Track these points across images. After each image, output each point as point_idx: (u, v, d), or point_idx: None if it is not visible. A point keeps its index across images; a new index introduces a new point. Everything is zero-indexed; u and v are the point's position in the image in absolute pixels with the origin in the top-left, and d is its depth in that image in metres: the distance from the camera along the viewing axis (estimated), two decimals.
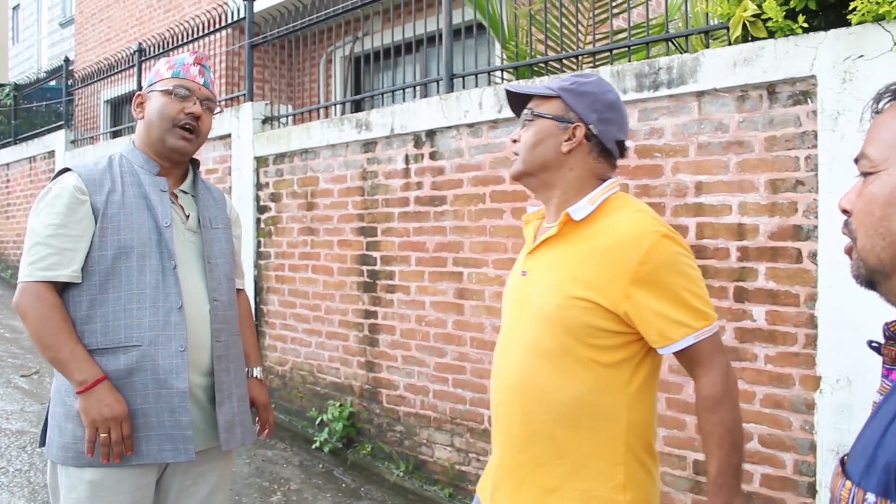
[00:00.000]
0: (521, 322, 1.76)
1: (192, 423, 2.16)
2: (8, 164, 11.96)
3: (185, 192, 2.36)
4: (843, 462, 0.94)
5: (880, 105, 0.97)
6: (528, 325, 1.72)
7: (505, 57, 4.95)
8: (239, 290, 2.53)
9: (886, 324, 0.94)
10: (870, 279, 0.96)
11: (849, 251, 0.99)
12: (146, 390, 2.12)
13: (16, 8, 21.94)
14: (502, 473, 1.76)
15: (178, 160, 2.33)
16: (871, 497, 0.85)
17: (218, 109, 2.47)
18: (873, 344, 0.99)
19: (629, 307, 1.60)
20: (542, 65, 4.31)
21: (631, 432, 1.65)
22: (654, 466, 1.70)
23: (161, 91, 2.26)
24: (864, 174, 0.96)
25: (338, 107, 6.60)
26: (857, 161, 0.97)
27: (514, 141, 1.81)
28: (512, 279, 1.89)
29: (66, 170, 2.24)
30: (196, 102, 2.27)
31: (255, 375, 2.52)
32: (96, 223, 2.14)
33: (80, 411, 2.06)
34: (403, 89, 5.32)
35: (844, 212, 0.99)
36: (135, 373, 2.12)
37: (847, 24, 2.89)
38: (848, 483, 0.89)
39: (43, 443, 2.23)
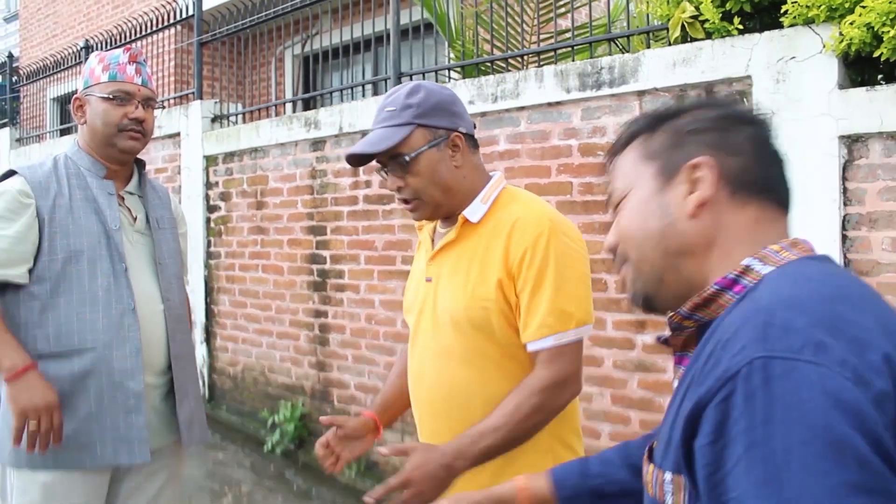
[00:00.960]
0: (431, 329, 1.78)
1: (146, 424, 2.16)
2: None
3: (131, 194, 2.35)
4: (650, 449, 1.00)
5: (613, 155, 1.10)
6: (440, 331, 1.75)
7: (452, 56, 4.97)
8: None
9: (670, 316, 1.01)
10: (646, 295, 1.05)
11: (623, 284, 1.08)
12: (101, 394, 2.12)
13: None
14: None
15: (125, 161, 2.31)
16: (668, 476, 0.90)
17: (159, 105, 2.45)
18: (661, 338, 1.06)
19: (517, 296, 1.65)
20: (489, 64, 4.33)
21: (555, 420, 1.67)
22: (582, 449, 1.74)
23: (100, 97, 2.23)
24: (616, 210, 1.07)
25: (288, 105, 6.56)
26: (608, 205, 1.10)
27: (399, 189, 1.73)
28: (415, 285, 1.89)
29: (12, 172, 2.21)
30: (138, 106, 2.25)
31: None
32: (43, 227, 2.13)
33: (8, 399, 2.03)
34: (352, 88, 5.31)
35: (612, 250, 1.08)
36: (89, 376, 2.11)
37: (780, 26, 2.96)
38: (651, 466, 0.95)
39: None
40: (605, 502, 1.33)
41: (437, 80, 4.73)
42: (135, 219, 2.32)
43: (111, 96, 2.23)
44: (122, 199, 2.32)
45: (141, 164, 2.43)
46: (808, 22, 2.83)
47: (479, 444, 1.60)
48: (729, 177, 0.98)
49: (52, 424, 2.04)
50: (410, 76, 4.76)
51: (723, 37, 3.12)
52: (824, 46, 2.80)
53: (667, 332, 1.04)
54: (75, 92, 2.37)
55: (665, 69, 3.29)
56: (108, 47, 7.86)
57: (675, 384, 1.02)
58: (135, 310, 2.18)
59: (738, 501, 0.76)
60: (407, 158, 1.68)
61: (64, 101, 11.30)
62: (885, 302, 0.89)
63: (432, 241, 1.85)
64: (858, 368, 0.75)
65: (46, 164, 2.26)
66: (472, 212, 1.72)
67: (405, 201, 1.75)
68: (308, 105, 6.47)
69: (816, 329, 0.78)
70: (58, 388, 2.08)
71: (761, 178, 0.99)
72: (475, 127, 1.82)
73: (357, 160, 1.76)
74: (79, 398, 2.11)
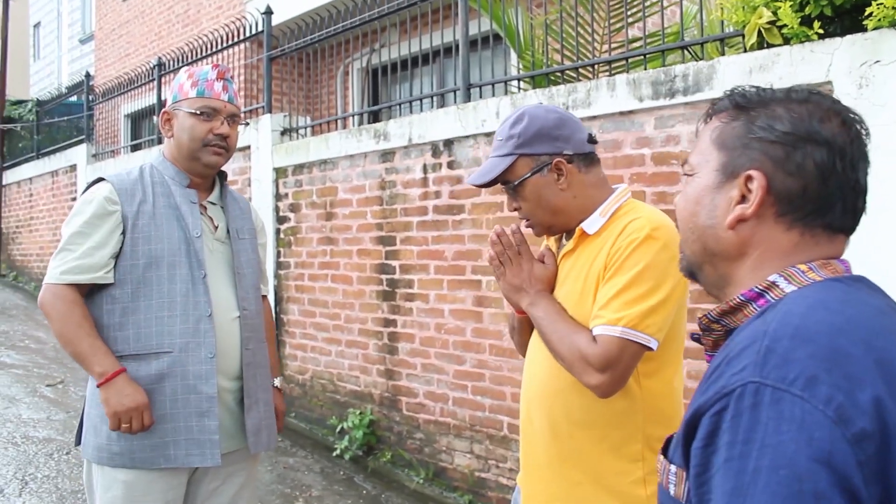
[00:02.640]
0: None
1: (219, 427, 2.24)
2: (31, 179, 12.13)
3: (213, 204, 2.44)
4: (668, 441, 1.07)
5: (704, 120, 1.13)
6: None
7: (521, 66, 4.99)
8: (263, 297, 2.60)
9: (700, 318, 1.09)
10: (689, 270, 1.14)
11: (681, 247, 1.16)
12: (175, 395, 2.20)
13: (37, 25, 22.26)
14: (536, 467, 1.84)
15: (208, 174, 2.40)
16: (673, 468, 0.99)
17: (244, 122, 2.54)
18: (694, 336, 1.13)
19: None
20: (559, 74, 4.35)
21: (648, 430, 1.70)
22: None
23: (188, 112, 2.32)
24: (686, 176, 1.13)
25: (355, 118, 6.67)
26: (682, 166, 1.15)
27: (516, 209, 1.86)
28: None
29: (100, 179, 2.32)
30: (223, 122, 2.34)
31: (275, 385, 2.59)
32: (126, 232, 2.22)
33: (102, 402, 2.13)
34: (421, 100, 5.37)
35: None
36: (165, 378, 2.20)
37: (863, 29, 2.91)
38: (662, 458, 1.04)
39: (78, 442, 2.32)
40: None
41: (506, 91, 4.76)
42: (216, 228, 2.40)
43: (198, 112, 2.31)
44: (205, 208, 2.40)
45: (223, 176, 2.51)
46: (894, 24, 2.78)
47: (539, 309, 1.77)
48: (779, 197, 1.00)
49: (143, 424, 2.13)
50: (480, 87, 4.80)
51: (801, 42, 3.08)
52: None
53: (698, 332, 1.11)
54: (148, 108, 2.48)
55: (741, 76, 3.26)
56: (179, 65, 8.10)
57: None
58: (211, 316, 2.26)
59: (709, 494, 0.85)
60: (513, 185, 1.80)
61: (136, 118, 11.67)
62: (894, 334, 0.91)
63: (558, 248, 1.92)
64: (843, 406, 0.80)
65: (133, 173, 2.37)
66: (590, 224, 1.78)
67: (523, 219, 1.88)
68: (375, 117, 6.57)
69: (813, 362, 0.83)
70: None
71: (817, 204, 1.00)
72: (594, 141, 1.85)
73: (479, 185, 1.87)
74: (155, 399, 2.19)
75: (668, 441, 1.07)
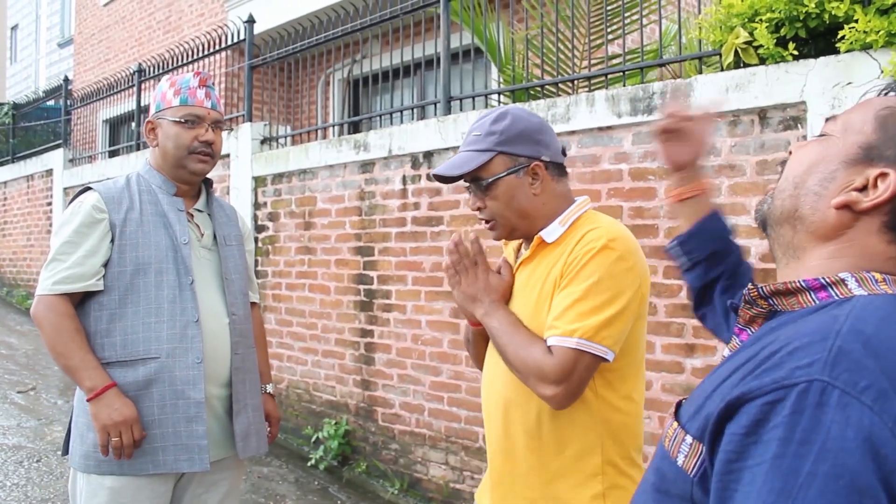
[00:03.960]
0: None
1: (207, 433, 2.25)
2: (5, 183, 11.99)
3: (200, 211, 2.45)
4: (679, 405, 1.03)
5: (886, 91, 1.06)
6: None
7: (502, 80, 5.04)
8: (253, 304, 2.61)
9: (748, 289, 1.02)
10: (764, 219, 1.09)
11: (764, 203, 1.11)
12: (163, 401, 2.20)
13: (14, 28, 22.06)
14: (493, 482, 1.82)
15: (194, 182, 2.41)
16: (689, 439, 0.93)
17: (228, 127, 2.56)
18: (731, 303, 1.09)
19: None
20: (539, 88, 4.39)
21: (608, 443, 1.67)
22: (639, 474, 1.72)
23: (172, 120, 2.33)
24: (823, 135, 1.05)
25: (336, 128, 6.68)
26: (826, 121, 1.08)
27: (479, 209, 1.81)
28: None
29: (88, 188, 2.33)
30: (208, 129, 2.36)
31: (267, 391, 2.60)
32: (114, 240, 2.23)
33: (91, 417, 2.13)
34: (401, 111, 5.40)
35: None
36: (153, 384, 2.20)
37: (836, 52, 2.98)
38: (675, 423, 0.98)
39: (66, 451, 2.31)
40: (713, 259, 1.52)
41: (486, 104, 4.80)
42: (203, 235, 2.41)
43: (182, 120, 2.33)
44: (191, 216, 2.41)
45: (209, 183, 2.53)
46: (866, 47, 2.84)
47: (494, 319, 1.73)
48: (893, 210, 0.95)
49: (133, 437, 2.13)
50: (460, 100, 4.83)
51: (777, 62, 3.15)
52: (883, 72, 2.81)
53: (738, 300, 1.06)
54: (126, 114, 2.51)
55: (718, 94, 3.32)
56: (160, 71, 8.07)
57: (726, 353, 1.05)
58: (198, 322, 2.26)
59: (744, 495, 0.80)
60: (485, 183, 1.75)
61: (115, 124, 11.60)
62: None
63: (516, 257, 1.89)
64: None
65: (120, 181, 2.38)
66: (549, 233, 1.75)
67: (485, 221, 1.82)
68: (355, 128, 6.58)
69: (884, 377, 0.79)
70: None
71: None
72: (565, 154, 1.84)
73: (444, 178, 1.81)
74: (143, 405, 2.19)
75: (679, 405, 1.03)
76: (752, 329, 1.03)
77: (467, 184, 1.81)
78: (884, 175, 0.94)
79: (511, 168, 1.74)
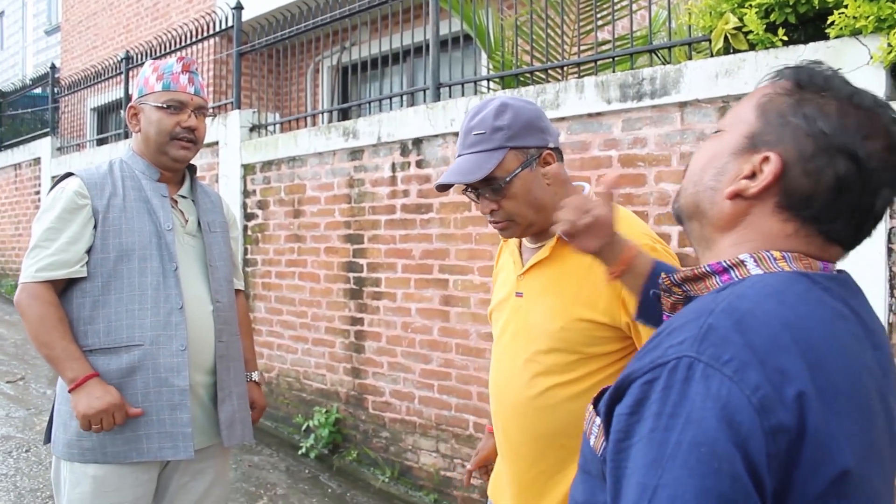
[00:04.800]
0: (521, 342, 1.75)
1: (192, 421, 2.23)
2: None
3: (183, 197, 2.43)
4: (601, 391, 1.05)
5: (765, 81, 1.11)
6: (531, 346, 1.72)
7: (491, 67, 5.01)
8: (238, 291, 2.59)
9: (662, 277, 1.10)
10: (678, 215, 1.14)
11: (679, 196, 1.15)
12: (147, 389, 2.19)
13: (0, 15, 21.85)
14: (518, 486, 1.76)
15: (177, 168, 2.39)
16: (598, 420, 0.98)
17: (210, 113, 2.53)
18: (653, 292, 1.14)
19: (629, 320, 1.59)
20: (528, 75, 4.37)
21: None
22: None
23: (154, 106, 2.30)
24: (716, 131, 1.11)
25: (325, 115, 6.64)
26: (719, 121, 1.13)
27: (492, 211, 1.70)
28: (505, 299, 1.85)
29: (69, 174, 2.30)
30: (190, 115, 2.33)
31: (253, 379, 2.58)
32: (97, 226, 2.21)
33: (73, 407, 2.11)
34: (390, 98, 5.36)
35: None
36: (136, 371, 2.18)
37: (826, 37, 2.96)
38: (591, 406, 1.03)
39: (48, 439, 2.29)
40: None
41: (475, 91, 4.78)
42: (186, 221, 2.39)
43: (165, 105, 2.30)
44: (175, 202, 2.39)
45: (193, 170, 2.50)
46: (856, 33, 2.83)
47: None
48: (787, 190, 0.98)
49: (115, 421, 2.12)
50: (449, 86, 4.80)
51: (767, 48, 3.13)
52: (872, 58, 2.80)
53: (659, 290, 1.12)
54: (115, 102, 2.48)
55: (707, 80, 3.30)
56: (147, 59, 8.01)
57: None
58: (182, 308, 2.25)
59: (630, 471, 0.85)
60: (502, 184, 1.66)
61: (103, 112, 11.51)
62: (843, 339, 0.92)
63: (520, 254, 1.82)
64: (768, 398, 0.82)
65: (103, 167, 2.35)
66: None
67: (496, 222, 1.73)
68: (345, 115, 6.55)
69: (749, 350, 0.84)
70: (106, 382, 2.16)
71: (821, 212, 0.98)
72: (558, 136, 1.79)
73: (447, 186, 1.73)
74: (126, 393, 2.18)
75: (602, 393, 1.06)
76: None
77: (470, 188, 1.71)
78: (766, 159, 0.99)
79: (524, 162, 1.67)
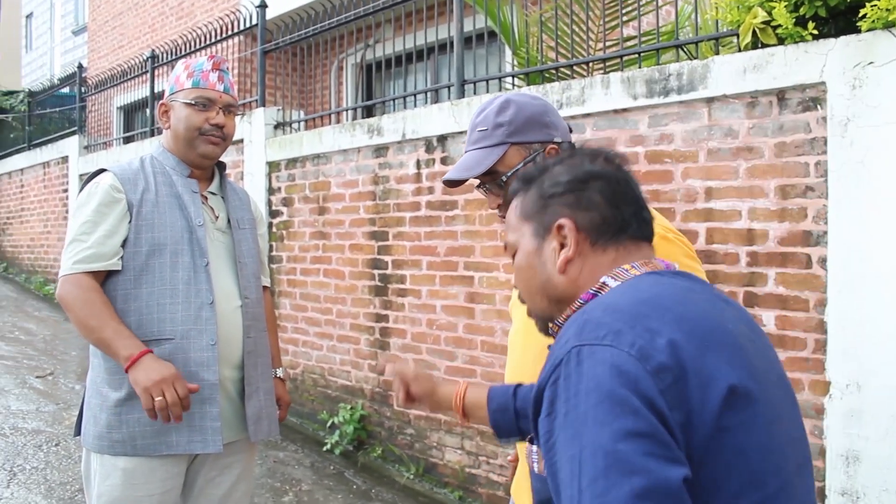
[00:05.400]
0: (532, 335, 1.69)
1: (220, 415, 2.24)
2: (22, 170, 12.07)
3: (213, 194, 2.44)
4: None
5: (510, 203, 1.31)
6: (542, 338, 1.71)
7: (516, 63, 4.99)
8: (264, 288, 2.60)
9: (550, 327, 1.26)
10: (544, 325, 1.28)
11: (529, 314, 1.31)
12: None
13: (29, 16, 22.13)
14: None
15: (206, 165, 2.41)
16: (534, 448, 1.12)
17: (241, 112, 2.55)
18: (551, 332, 1.28)
19: None
20: (553, 71, 4.35)
21: None
22: None
23: (184, 103, 2.33)
24: (512, 259, 1.30)
25: (349, 112, 6.66)
26: (505, 249, 1.33)
27: (499, 206, 1.72)
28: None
29: (102, 170, 2.32)
30: (219, 112, 2.35)
31: (278, 375, 2.60)
32: (130, 220, 2.22)
33: (132, 384, 2.10)
34: (415, 95, 5.37)
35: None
36: None
37: (857, 30, 2.92)
38: (528, 444, 1.19)
39: (78, 432, 2.31)
40: (524, 420, 1.56)
41: (500, 87, 4.77)
42: (216, 217, 2.41)
43: (194, 102, 2.32)
44: (205, 198, 2.41)
45: (222, 167, 2.52)
46: (889, 26, 2.79)
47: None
48: (588, 230, 1.19)
49: (178, 394, 2.08)
50: (474, 83, 4.80)
51: (796, 42, 3.09)
52: None
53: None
54: (140, 101, 2.50)
55: (735, 76, 3.27)
56: (173, 57, 8.07)
57: None
58: (213, 304, 2.26)
59: (558, 454, 0.98)
60: (504, 178, 1.68)
61: (129, 110, 11.63)
62: (696, 303, 1.10)
63: None
64: (644, 348, 0.97)
65: (134, 163, 2.38)
66: None
67: (503, 217, 1.72)
68: (369, 112, 6.56)
69: (619, 322, 1.01)
70: None
71: (616, 223, 1.19)
72: (571, 131, 1.80)
73: (455, 182, 1.75)
74: None
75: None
76: None
77: (479, 183, 1.73)
78: (560, 227, 1.19)
79: (527, 157, 1.68)
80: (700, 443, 0.95)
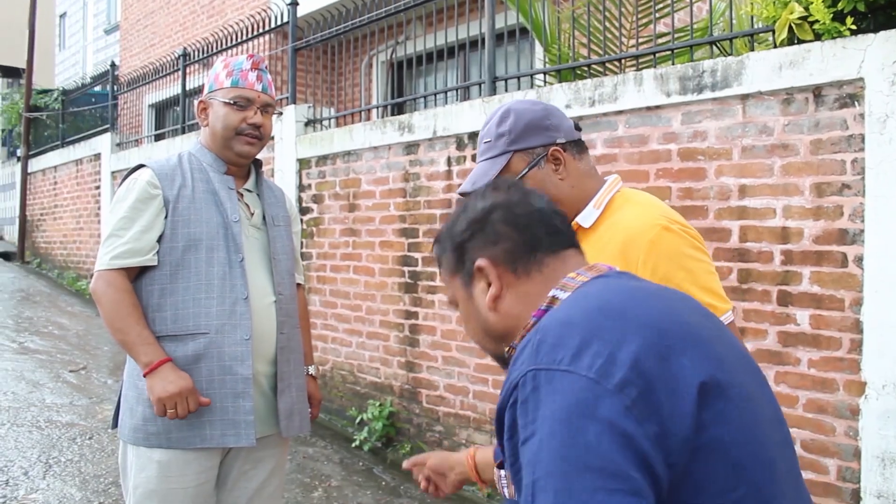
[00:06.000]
0: None
1: (254, 410, 2.26)
2: (55, 167, 12.25)
3: (249, 191, 2.47)
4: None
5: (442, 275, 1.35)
6: None
7: (547, 60, 4.98)
8: (298, 286, 2.63)
9: (506, 351, 1.24)
10: (503, 361, 1.26)
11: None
12: (212, 376, 2.23)
13: (62, 16, 22.42)
14: None
15: (242, 163, 2.43)
16: (502, 472, 1.14)
17: (278, 111, 2.58)
18: (501, 358, 1.28)
19: None
20: (585, 68, 4.33)
21: None
22: None
23: (222, 101, 2.36)
24: (462, 316, 1.32)
25: (379, 110, 6.67)
26: (449, 304, 1.38)
27: None
28: None
29: (141, 165, 2.36)
30: (256, 112, 2.38)
31: (310, 373, 2.62)
32: (167, 215, 2.26)
33: (147, 391, 2.17)
34: (446, 92, 5.37)
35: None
36: (202, 359, 2.23)
37: None
38: (496, 470, 1.22)
39: (115, 424, 2.35)
40: None
41: (531, 85, 4.75)
42: (252, 214, 2.44)
43: (232, 101, 2.35)
44: (241, 195, 2.44)
45: (258, 164, 2.55)
46: None
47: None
48: (505, 262, 1.20)
49: (189, 408, 2.16)
50: (505, 80, 4.79)
51: (833, 38, 3.05)
52: None
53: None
54: (171, 98, 2.53)
55: (770, 72, 3.24)
56: (204, 55, 8.14)
57: None
58: (247, 299, 2.29)
59: (521, 479, 0.96)
60: None
61: (160, 108, 11.76)
62: (651, 302, 1.10)
63: None
64: (602, 366, 0.95)
65: (172, 159, 2.41)
66: (585, 217, 1.77)
67: None
68: (399, 110, 6.58)
69: (575, 340, 0.99)
70: None
71: (528, 244, 1.20)
72: (579, 129, 1.84)
73: (467, 193, 1.83)
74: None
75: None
76: None
77: None
78: (480, 269, 1.21)
79: (531, 162, 1.75)
80: (680, 446, 0.94)
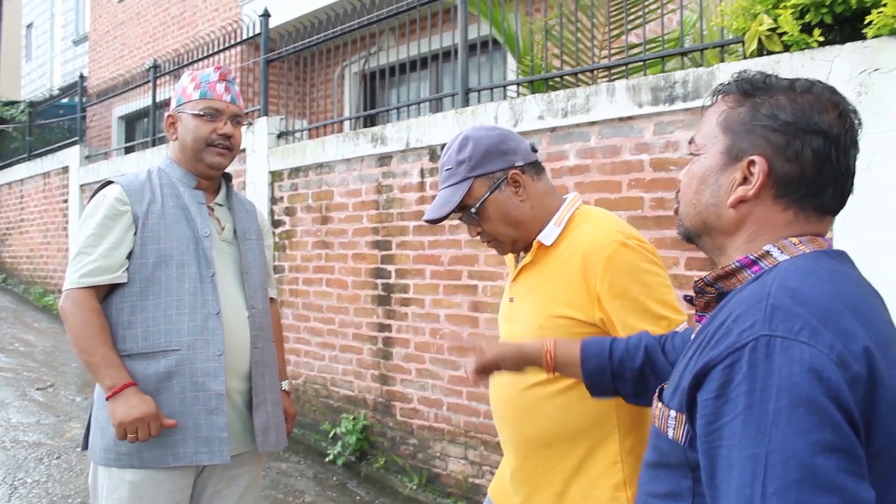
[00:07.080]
0: None
1: (227, 426, 2.24)
2: (22, 180, 12.05)
3: (220, 205, 2.45)
4: (661, 389, 1.19)
5: (710, 100, 1.23)
6: None
7: (520, 71, 4.99)
8: (271, 299, 2.60)
9: (695, 281, 1.19)
10: (687, 237, 1.25)
11: (676, 212, 1.27)
12: (184, 393, 2.20)
13: (29, 26, 22.16)
14: (517, 481, 1.86)
15: (213, 175, 2.41)
16: (673, 413, 1.09)
17: (247, 121, 2.56)
18: (687, 297, 1.24)
19: (603, 316, 1.70)
20: (558, 79, 4.34)
21: (623, 432, 1.73)
22: None
23: (191, 114, 2.33)
24: (692, 155, 1.22)
25: (352, 121, 6.65)
26: (690, 144, 1.25)
27: (478, 234, 1.87)
28: (502, 306, 2.00)
29: (110, 182, 2.32)
30: (226, 122, 2.36)
31: (284, 388, 2.59)
32: (136, 232, 2.23)
33: (109, 414, 2.13)
34: (418, 104, 5.36)
35: (678, 185, 1.27)
36: (174, 376, 2.19)
37: (863, 37, 2.92)
38: (660, 404, 1.15)
39: (86, 446, 2.31)
40: (620, 382, 1.56)
41: (504, 96, 4.76)
42: (223, 228, 2.41)
43: (201, 113, 2.33)
44: (212, 209, 2.41)
45: (228, 178, 2.52)
46: (894, 32, 2.78)
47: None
48: (778, 181, 1.11)
49: (150, 433, 2.13)
50: (478, 91, 4.79)
51: (802, 49, 3.09)
52: None
53: (692, 293, 1.22)
54: (141, 111, 2.51)
55: None
56: (175, 67, 8.07)
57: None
58: (219, 314, 2.26)
59: (729, 448, 0.93)
60: (473, 210, 1.81)
61: (130, 120, 11.63)
62: (871, 301, 1.07)
63: (516, 262, 1.96)
64: (842, 354, 0.92)
65: (141, 175, 2.39)
66: (546, 235, 1.81)
67: (487, 242, 1.89)
68: (372, 122, 6.56)
69: (813, 318, 0.95)
70: (144, 386, 2.17)
71: (811, 189, 1.11)
72: (535, 150, 1.90)
73: (435, 220, 1.88)
74: (163, 397, 2.19)
75: (661, 387, 1.19)
76: (709, 313, 1.17)
77: (459, 215, 1.86)
78: (752, 163, 1.11)
79: (492, 186, 1.81)
80: (874, 453, 0.93)
